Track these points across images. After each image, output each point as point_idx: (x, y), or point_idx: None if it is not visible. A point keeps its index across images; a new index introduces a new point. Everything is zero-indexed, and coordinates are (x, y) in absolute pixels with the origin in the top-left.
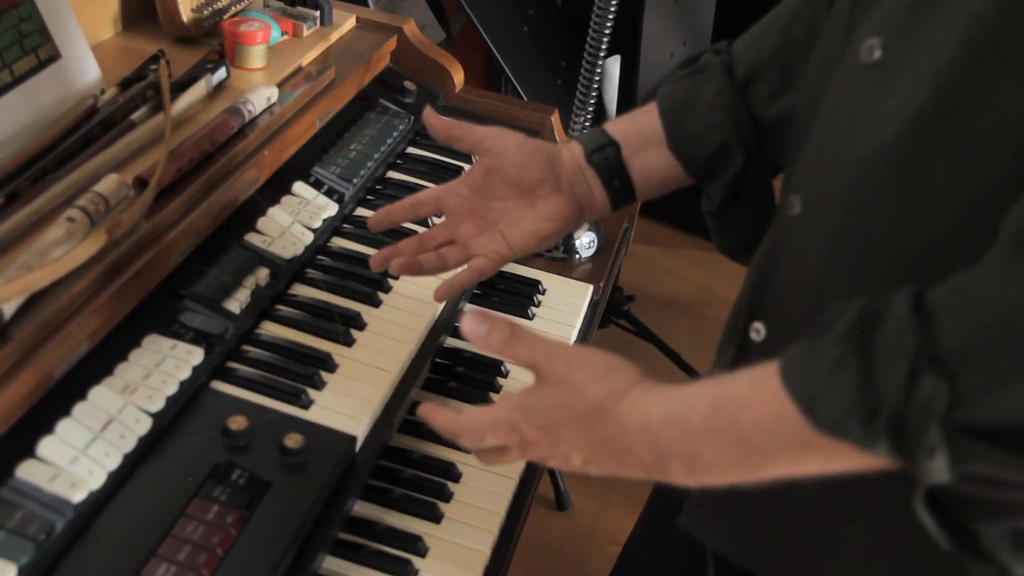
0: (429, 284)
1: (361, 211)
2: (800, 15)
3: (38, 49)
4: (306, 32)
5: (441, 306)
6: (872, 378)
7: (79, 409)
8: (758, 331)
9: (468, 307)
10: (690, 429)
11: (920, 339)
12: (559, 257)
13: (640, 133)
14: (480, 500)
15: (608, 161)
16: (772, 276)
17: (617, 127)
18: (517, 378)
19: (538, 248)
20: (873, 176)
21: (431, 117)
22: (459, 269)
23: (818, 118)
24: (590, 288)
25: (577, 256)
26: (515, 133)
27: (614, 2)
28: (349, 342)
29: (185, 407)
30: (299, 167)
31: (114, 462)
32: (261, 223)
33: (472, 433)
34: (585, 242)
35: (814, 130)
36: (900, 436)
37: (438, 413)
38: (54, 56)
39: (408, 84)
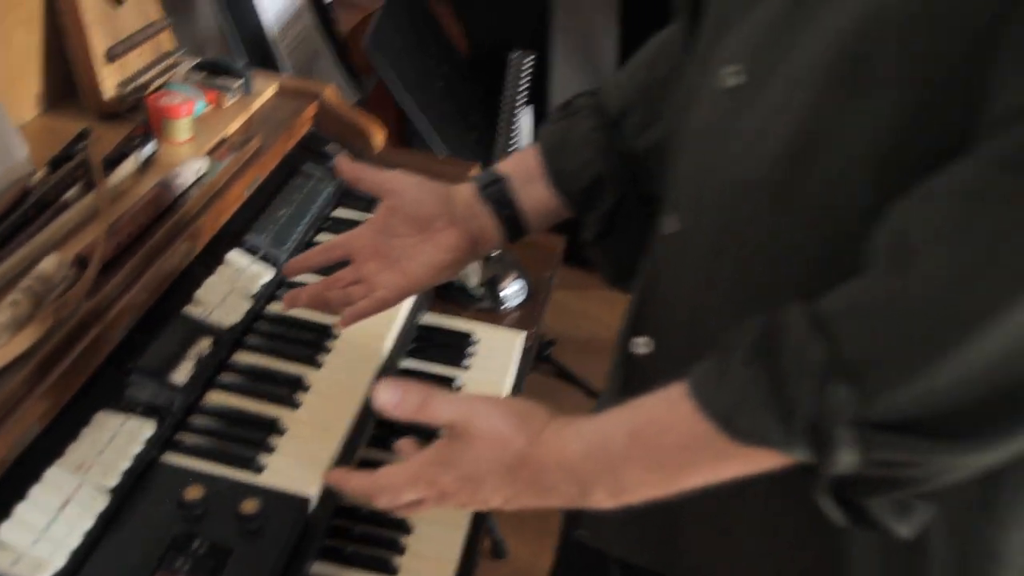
0: (368, 343)
1: (296, 276)
2: (663, 52)
3: None
4: (229, 102)
5: (381, 364)
6: (783, 390)
7: (35, 491)
8: (643, 346)
9: (382, 382)
10: (611, 459)
11: (822, 352)
12: (488, 308)
13: (526, 169)
14: (432, 550)
15: (498, 194)
16: (654, 293)
17: (506, 165)
18: None
19: (438, 279)
20: (743, 199)
21: (342, 162)
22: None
23: (685, 143)
24: (522, 335)
25: (505, 306)
26: (413, 175)
27: (527, 62)
28: (295, 404)
29: (140, 481)
30: (232, 235)
31: (75, 540)
32: (199, 294)
33: (391, 492)
34: (514, 291)
35: (683, 154)
36: (815, 438)
37: (350, 479)
38: None
39: (331, 147)
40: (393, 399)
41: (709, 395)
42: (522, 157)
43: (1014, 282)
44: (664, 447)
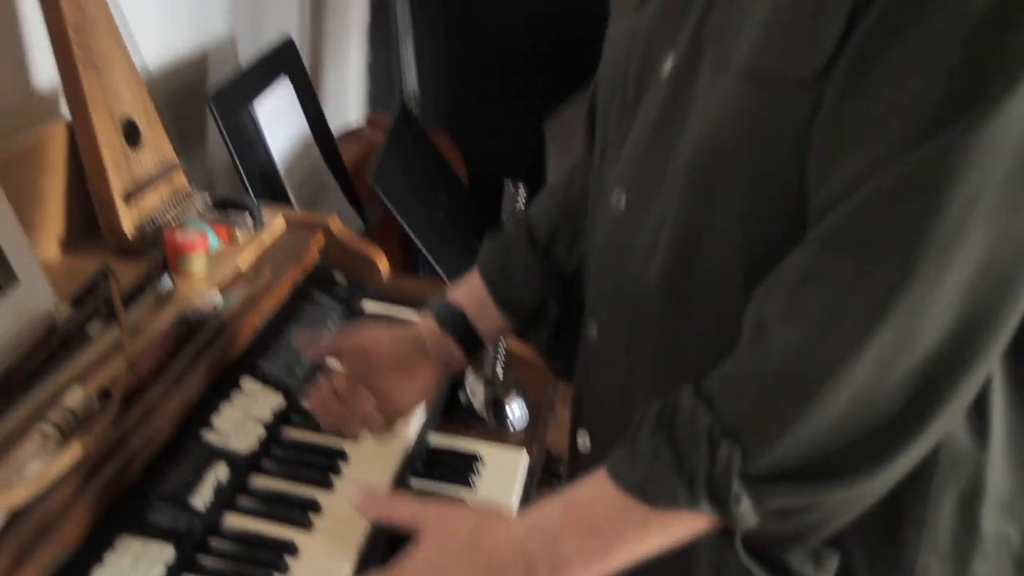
0: (378, 466)
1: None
2: (574, 176)
3: None
4: (241, 236)
5: (390, 485)
6: (683, 456)
7: None
8: (584, 439)
9: (355, 486)
10: (549, 531)
11: (708, 420)
12: (493, 428)
13: (477, 300)
14: None
15: (459, 327)
16: (585, 392)
17: (458, 295)
18: None
19: (421, 402)
20: (645, 306)
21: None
22: None
23: (593, 259)
24: (524, 455)
25: (510, 426)
26: (383, 331)
27: (521, 191)
28: (309, 526)
29: None
30: (246, 364)
31: None
32: (216, 420)
33: None
34: (517, 411)
35: (592, 269)
36: (714, 493)
37: None
38: (13, 281)
39: (338, 277)
40: (363, 503)
41: (623, 471)
42: (472, 288)
43: (842, 349)
44: (592, 518)
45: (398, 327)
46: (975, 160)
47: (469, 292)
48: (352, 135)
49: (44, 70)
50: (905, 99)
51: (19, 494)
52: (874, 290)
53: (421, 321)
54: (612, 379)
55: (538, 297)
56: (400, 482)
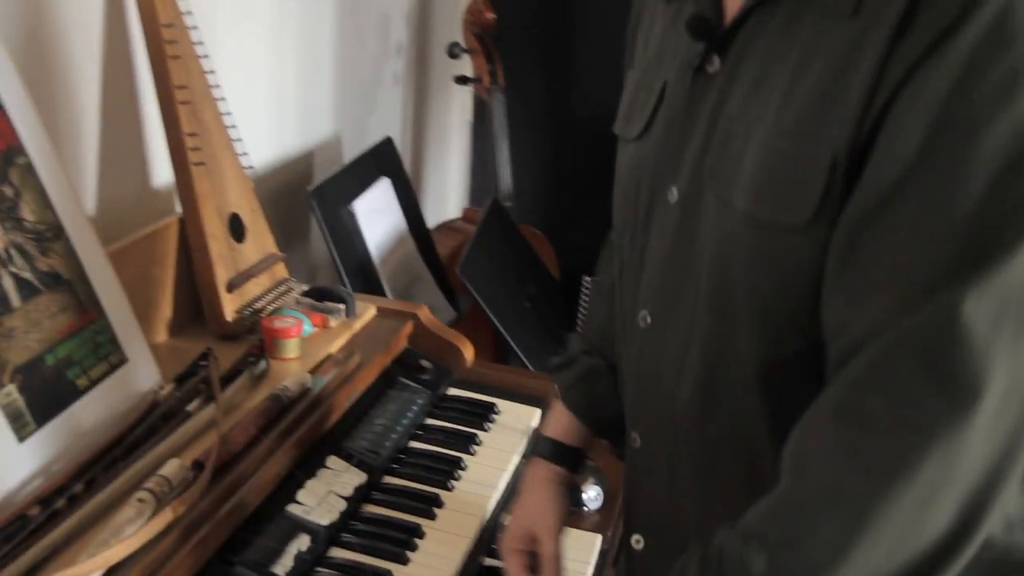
0: (451, 543)
1: (388, 479)
2: (612, 292)
3: (109, 356)
4: (333, 324)
5: (462, 562)
6: None
7: None
8: (638, 541)
9: None
10: None
11: (762, 561)
12: (569, 511)
13: (583, 436)
14: None
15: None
16: (634, 495)
17: (568, 435)
18: None
19: None
20: (679, 416)
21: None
22: None
23: (629, 375)
24: (599, 538)
25: (585, 509)
26: (543, 506)
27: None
28: None
29: None
30: (332, 442)
31: None
32: (300, 494)
33: None
34: (592, 495)
35: (629, 384)
36: None
37: None
38: (122, 361)
39: (424, 362)
40: None
41: None
42: (571, 425)
43: (884, 487)
44: None
45: (542, 487)
46: (988, 305)
47: (572, 429)
48: (447, 227)
49: (160, 170)
50: (915, 253)
51: (116, 552)
52: (912, 428)
53: (551, 470)
54: (657, 482)
55: (621, 413)
56: (472, 560)
